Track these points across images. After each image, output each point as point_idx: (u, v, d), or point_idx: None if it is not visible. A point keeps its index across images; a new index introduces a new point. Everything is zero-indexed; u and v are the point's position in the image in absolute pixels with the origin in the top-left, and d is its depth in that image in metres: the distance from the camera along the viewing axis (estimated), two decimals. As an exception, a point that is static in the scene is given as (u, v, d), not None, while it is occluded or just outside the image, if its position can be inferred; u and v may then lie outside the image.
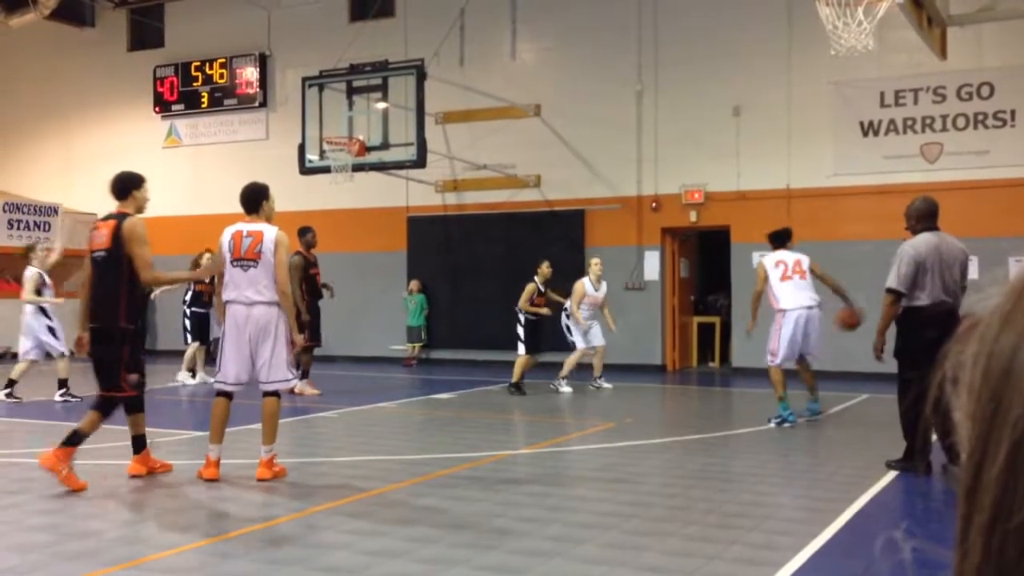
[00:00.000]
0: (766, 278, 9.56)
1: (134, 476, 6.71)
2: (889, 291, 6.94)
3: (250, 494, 6.42)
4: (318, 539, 5.23)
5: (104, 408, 6.60)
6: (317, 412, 10.45)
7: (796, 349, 9.47)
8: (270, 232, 6.79)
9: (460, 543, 5.10)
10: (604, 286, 12.69)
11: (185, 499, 6.28)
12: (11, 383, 11.35)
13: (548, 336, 12.61)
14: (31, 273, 11.34)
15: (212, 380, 12.17)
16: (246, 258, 6.73)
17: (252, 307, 6.73)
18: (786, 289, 9.46)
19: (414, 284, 17.04)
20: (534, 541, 5.13)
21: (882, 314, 7.04)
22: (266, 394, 6.86)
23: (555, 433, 9.22)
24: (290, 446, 8.21)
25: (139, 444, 6.79)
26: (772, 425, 9.35)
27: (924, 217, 7.08)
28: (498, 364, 13.49)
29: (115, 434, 8.88)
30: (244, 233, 6.80)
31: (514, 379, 12.08)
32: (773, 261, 9.64)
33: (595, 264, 12.66)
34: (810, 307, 9.44)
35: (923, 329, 6.76)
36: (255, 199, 6.98)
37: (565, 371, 12.42)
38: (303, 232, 12.29)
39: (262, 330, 6.73)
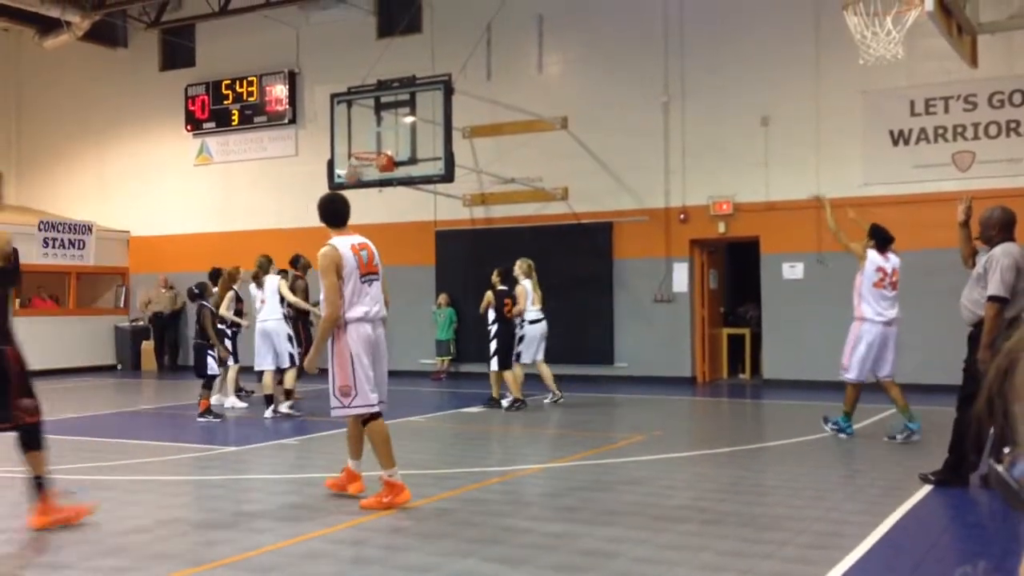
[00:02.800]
0: (861, 264, 8.98)
1: (39, 529, 5.65)
2: (994, 299, 6.59)
3: (282, 510, 6.45)
4: (349, 554, 5.25)
5: (33, 442, 5.62)
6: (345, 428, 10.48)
7: (868, 368, 9.01)
8: (372, 245, 6.48)
9: (491, 557, 5.10)
10: (516, 286, 12.21)
11: (219, 512, 6.32)
12: (287, 394, 11.63)
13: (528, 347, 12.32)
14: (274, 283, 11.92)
15: (239, 404, 12.27)
16: (371, 272, 6.33)
17: (382, 324, 6.41)
18: (874, 297, 8.94)
19: (443, 298, 17.09)
20: (565, 555, 5.11)
21: (987, 326, 6.60)
22: (379, 414, 6.44)
23: (584, 447, 9.19)
24: (322, 461, 8.25)
25: (40, 486, 5.65)
26: (827, 429, 9.30)
27: (1005, 227, 6.84)
28: (527, 377, 13.42)
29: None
30: (359, 245, 6.33)
31: (494, 393, 12.08)
32: (875, 265, 8.97)
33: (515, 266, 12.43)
34: (891, 322, 8.99)
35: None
36: (347, 211, 6.53)
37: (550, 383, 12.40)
38: (299, 259, 12.83)
39: (385, 347, 6.50)
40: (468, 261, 17.16)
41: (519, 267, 12.41)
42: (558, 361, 16.14)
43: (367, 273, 6.28)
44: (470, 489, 6.98)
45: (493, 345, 12.02)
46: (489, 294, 12.11)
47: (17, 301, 18.76)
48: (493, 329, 12.08)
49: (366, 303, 6.25)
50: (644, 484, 7.16)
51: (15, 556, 5.22)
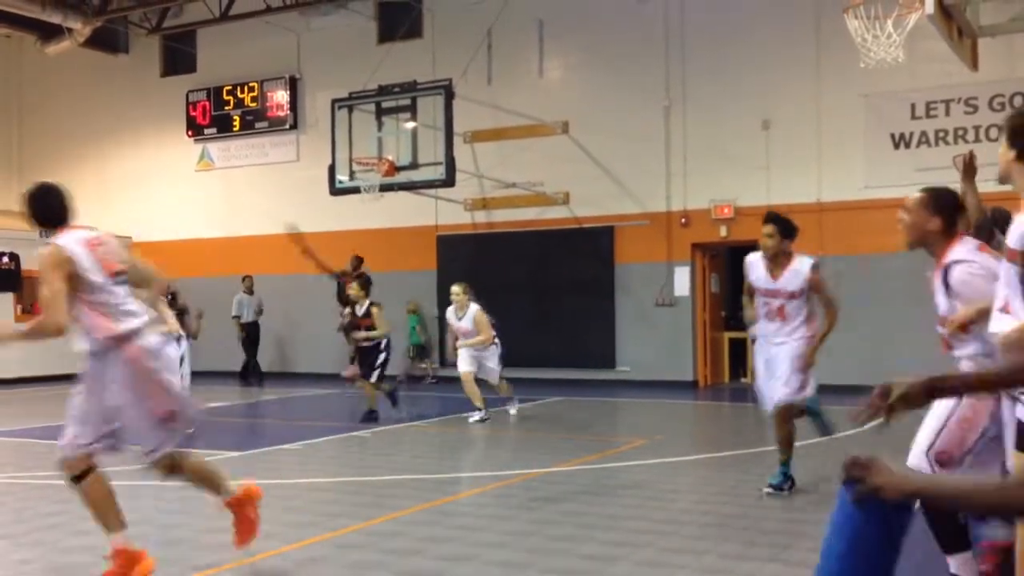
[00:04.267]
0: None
1: None
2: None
3: (284, 515, 6.44)
4: (350, 559, 5.24)
5: None
6: (349, 432, 10.50)
7: None
8: (113, 240, 5.06)
9: (494, 561, 5.09)
10: (469, 314, 11.25)
11: (220, 517, 6.31)
12: None
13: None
14: None
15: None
16: (119, 272, 4.86)
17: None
18: None
19: (412, 304, 16.98)
20: (568, 560, 5.11)
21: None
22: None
23: (586, 451, 9.18)
24: (323, 466, 8.25)
25: None
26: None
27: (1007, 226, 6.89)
28: (527, 381, 13.46)
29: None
30: (93, 240, 4.87)
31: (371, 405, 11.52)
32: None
33: (452, 293, 11.48)
34: None
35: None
36: (69, 204, 5.00)
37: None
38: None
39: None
40: (470, 266, 17.15)
41: (464, 291, 11.40)
42: (560, 365, 16.22)
43: (116, 273, 4.77)
44: (471, 494, 6.98)
45: (381, 357, 11.42)
46: (378, 310, 11.41)
47: (20, 307, 18.79)
48: (384, 342, 11.47)
49: (133, 309, 4.80)
50: (646, 488, 7.16)
51: (23, 562, 5.22)
